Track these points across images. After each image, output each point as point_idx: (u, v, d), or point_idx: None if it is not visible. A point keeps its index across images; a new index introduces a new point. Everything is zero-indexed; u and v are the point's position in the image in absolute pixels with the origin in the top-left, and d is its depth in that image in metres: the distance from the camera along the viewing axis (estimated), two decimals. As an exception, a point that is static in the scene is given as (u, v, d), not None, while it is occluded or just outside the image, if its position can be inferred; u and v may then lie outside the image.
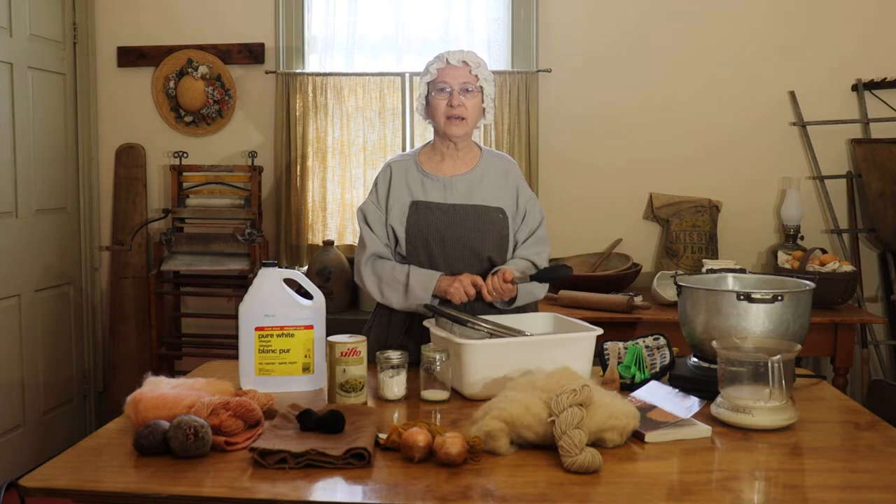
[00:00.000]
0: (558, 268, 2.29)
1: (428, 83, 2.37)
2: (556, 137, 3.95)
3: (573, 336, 2.07)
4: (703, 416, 1.80)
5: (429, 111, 2.41)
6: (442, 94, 2.34)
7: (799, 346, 1.84)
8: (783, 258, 3.45)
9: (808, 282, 2.06)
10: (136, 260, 4.14)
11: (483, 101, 2.39)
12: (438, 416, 1.87)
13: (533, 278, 2.28)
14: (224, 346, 3.97)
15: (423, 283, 2.28)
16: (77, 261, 4.09)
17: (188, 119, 4.11)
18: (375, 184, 2.45)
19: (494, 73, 2.62)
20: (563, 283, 3.54)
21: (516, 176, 2.47)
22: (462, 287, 2.24)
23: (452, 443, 1.54)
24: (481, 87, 2.36)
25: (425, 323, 2.16)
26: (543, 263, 2.41)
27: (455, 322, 2.07)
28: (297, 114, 3.95)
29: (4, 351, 3.56)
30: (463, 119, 2.34)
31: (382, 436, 1.66)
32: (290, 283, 2.08)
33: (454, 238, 2.34)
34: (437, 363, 1.95)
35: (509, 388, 1.73)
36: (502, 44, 3.95)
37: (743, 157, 3.91)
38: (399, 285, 2.31)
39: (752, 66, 3.87)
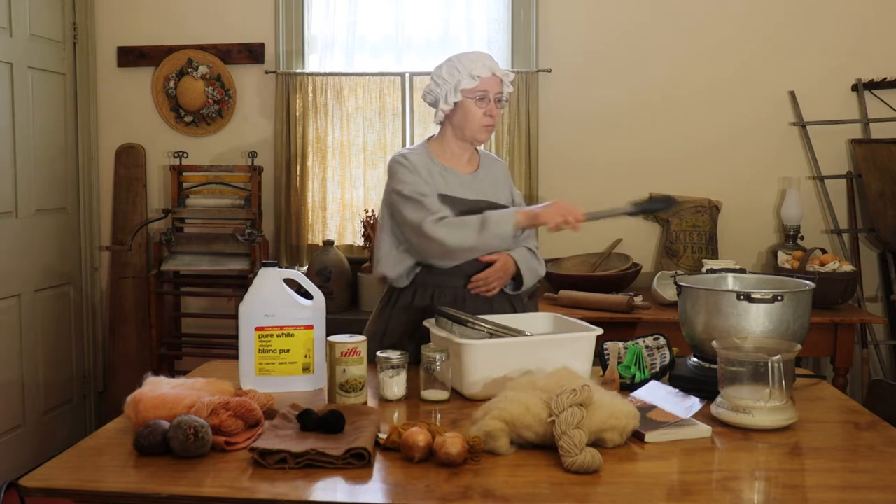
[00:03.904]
0: (661, 198, 2.22)
1: (464, 89, 2.35)
2: (556, 137, 3.95)
3: (573, 336, 2.07)
4: (703, 416, 1.80)
5: (456, 114, 2.39)
6: (482, 102, 2.37)
7: (799, 346, 1.84)
8: (783, 258, 3.45)
9: (808, 282, 2.06)
10: (136, 260, 4.14)
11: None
12: (438, 416, 1.87)
13: (634, 212, 2.24)
14: (224, 346, 3.96)
15: (501, 215, 2.26)
16: (77, 261, 4.09)
17: (188, 119, 4.11)
18: (407, 169, 2.38)
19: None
20: (563, 282, 3.54)
21: (508, 174, 2.62)
22: (561, 210, 2.23)
23: (452, 443, 1.54)
24: (506, 97, 2.45)
25: (425, 323, 2.16)
26: (535, 250, 2.51)
27: (455, 322, 2.08)
28: (297, 114, 3.95)
29: (4, 351, 3.56)
30: (493, 126, 2.42)
31: (382, 436, 1.66)
32: (290, 283, 2.08)
33: None
34: (437, 363, 1.95)
35: (509, 388, 1.73)
36: (502, 44, 3.95)
37: (743, 157, 3.91)
38: (473, 221, 2.27)
39: (752, 66, 3.87)
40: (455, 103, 2.38)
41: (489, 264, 2.38)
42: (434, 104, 2.43)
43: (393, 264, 2.40)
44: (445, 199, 2.36)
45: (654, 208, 2.21)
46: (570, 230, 2.28)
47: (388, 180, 2.44)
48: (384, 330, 2.45)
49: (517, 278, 2.44)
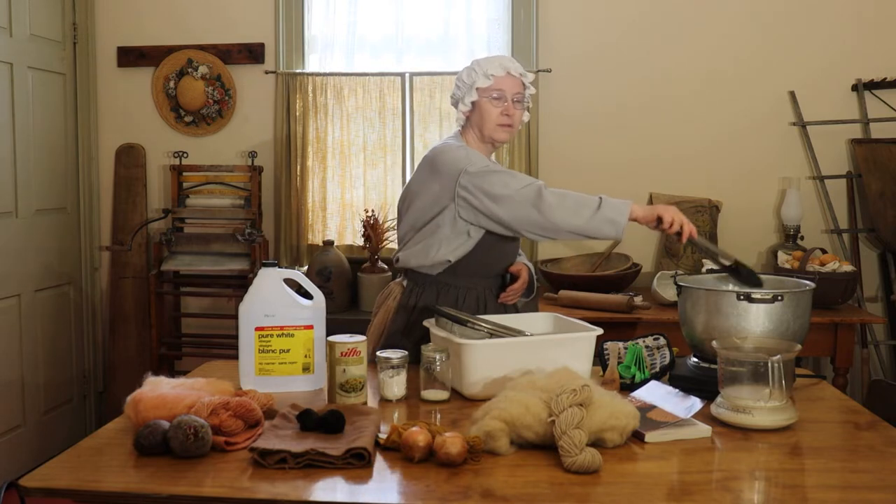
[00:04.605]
0: (751, 274, 2.14)
1: (479, 88, 2.37)
2: (556, 137, 3.95)
3: (573, 336, 2.07)
4: (703, 416, 1.80)
5: (474, 114, 2.41)
6: (497, 101, 2.37)
7: (799, 346, 1.84)
8: (783, 258, 3.45)
9: (808, 282, 2.06)
10: (136, 260, 4.14)
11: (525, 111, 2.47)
12: (438, 416, 1.87)
13: (729, 269, 2.16)
14: (224, 346, 3.97)
15: (618, 201, 2.18)
16: (77, 261, 4.09)
17: (188, 119, 4.11)
18: (473, 151, 2.37)
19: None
20: (563, 282, 3.54)
21: None
22: (679, 214, 2.14)
23: (452, 443, 1.54)
24: (528, 99, 2.44)
25: (425, 323, 2.16)
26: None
27: (455, 322, 2.08)
28: (297, 114, 3.95)
29: (4, 351, 3.56)
30: (511, 127, 2.41)
31: (382, 436, 1.66)
32: (290, 283, 2.08)
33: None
34: (437, 363, 1.95)
35: (509, 388, 1.73)
36: (502, 44, 3.95)
37: (743, 157, 3.91)
38: (590, 200, 2.18)
39: (752, 66, 3.87)
40: (472, 103, 2.40)
41: (513, 273, 2.48)
42: (456, 107, 2.46)
43: (454, 248, 2.35)
44: None
45: (746, 279, 2.16)
46: (676, 240, 2.17)
47: (447, 167, 2.32)
48: (402, 329, 2.43)
49: (528, 285, 2.54)
